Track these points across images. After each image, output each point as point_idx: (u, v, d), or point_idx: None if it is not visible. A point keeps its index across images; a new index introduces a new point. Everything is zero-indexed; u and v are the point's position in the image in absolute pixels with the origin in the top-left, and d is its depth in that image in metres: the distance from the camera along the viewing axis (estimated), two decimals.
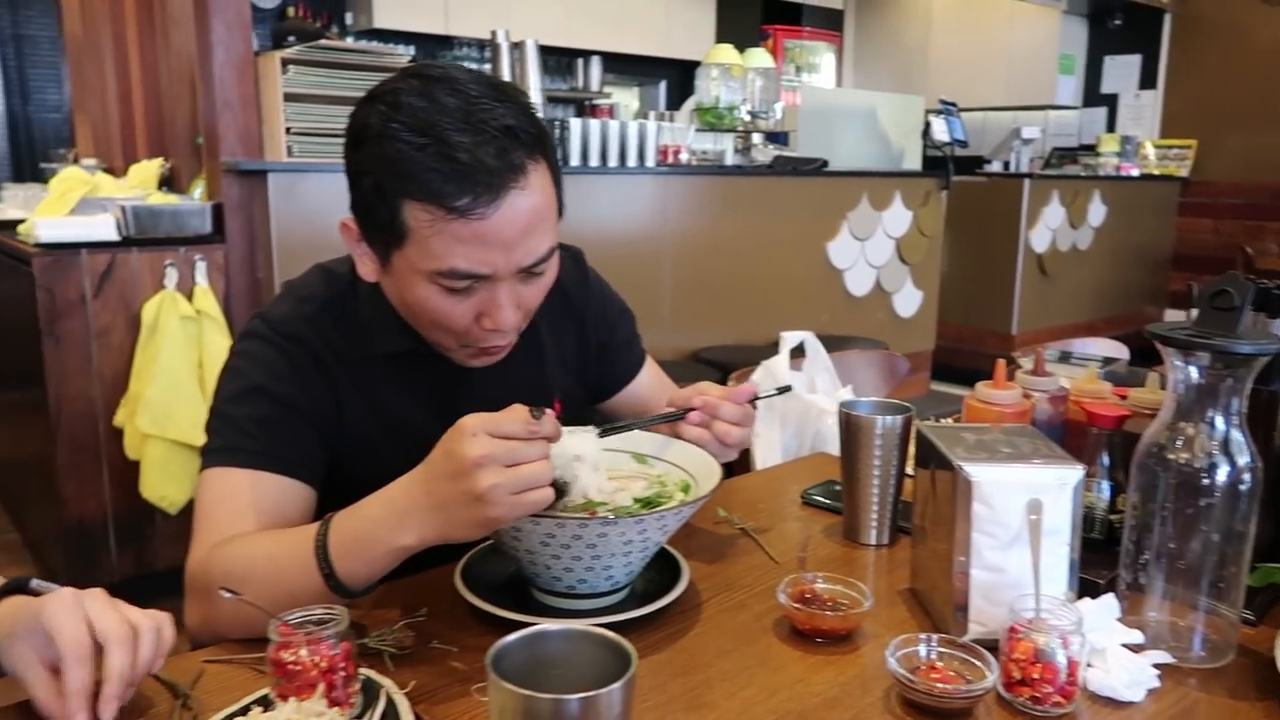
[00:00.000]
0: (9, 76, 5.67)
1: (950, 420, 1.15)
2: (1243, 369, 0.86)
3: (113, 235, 2.66)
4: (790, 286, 4.12)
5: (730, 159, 4.30)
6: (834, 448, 1.95)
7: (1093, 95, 7.32)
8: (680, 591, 0.96)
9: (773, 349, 3.70)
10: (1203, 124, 6.62)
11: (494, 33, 3.47)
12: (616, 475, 1.01)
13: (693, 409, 1.09)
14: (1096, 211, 5.84)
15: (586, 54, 6.80)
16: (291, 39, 2.98)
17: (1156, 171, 6.61)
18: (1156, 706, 0.82)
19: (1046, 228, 5.50)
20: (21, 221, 2.85)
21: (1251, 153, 6.38)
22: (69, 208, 2.82)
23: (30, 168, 5.49)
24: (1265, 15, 6.24)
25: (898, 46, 7.46)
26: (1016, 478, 0.86)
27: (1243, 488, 0.86)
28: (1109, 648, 0.84)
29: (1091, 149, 6.70)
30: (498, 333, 1.02)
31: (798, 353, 2.17)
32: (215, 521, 0.98)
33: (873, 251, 4.38)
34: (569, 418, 1.22)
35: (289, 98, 2.75)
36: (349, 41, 4.23)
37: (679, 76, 7.47)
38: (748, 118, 4.26)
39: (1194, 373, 0.87)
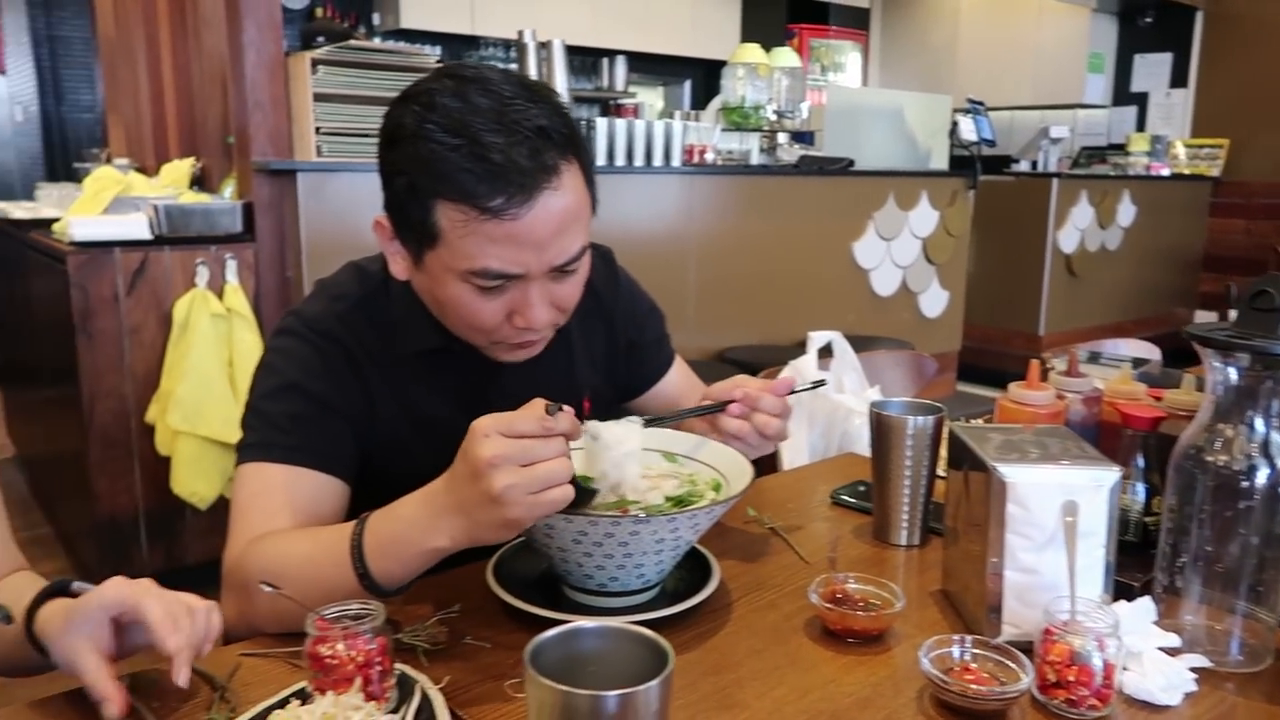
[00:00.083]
0: (43, 77, 5.76)
1: (982, 421, 1.15)
2: None
3: (145, 234, 2.69)
4: (816, 286, 4.11)
5: (756, 158, 4.29)
6: (861, 448, 1.94)
7: (1122, 94, 7.23)
8: (711, 590, 0.96)
9: (798, 349, 3.69)
10: (1235, 123, 6.53)
11: (521, 33, 3.48)
12: (648, 474, 1.01)
13: (733, 401, 1.09)
14: (1126, 212, 5.78)
15: (611, 54, 6.80)
16: (321, 39, 3.01)
17: (1187, 171, 6.52)
18: (1193, 711, 0.81)
19: (1075, 228, 5.45)
20: (56, 220, 2.89)
21: None
22: (102, 207, 2.87)
23: (64, 167, 5.57)
24: None
25: (924, 45, 7.42)
26: (1052, 479, 0.86)
27: None
28: (1145, 651, 0.84)
29: (1121, 148, 6.62)
30: (529, 331, 1.02)
31: (825, 352, 2.16)
32: (251, 517, 0.99)
33: (899, 251, 4.36)
34: (598, 417, 1.23)
35: (318, 98, 2.77)
36: (376, 42, 4.26)
37: (704, 76, 7.46)
38: (773, 117, 4.25)
39: (1233, 374, 0.86)
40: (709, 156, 3.88)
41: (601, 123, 3.42)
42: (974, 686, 0.78)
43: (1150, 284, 6.19)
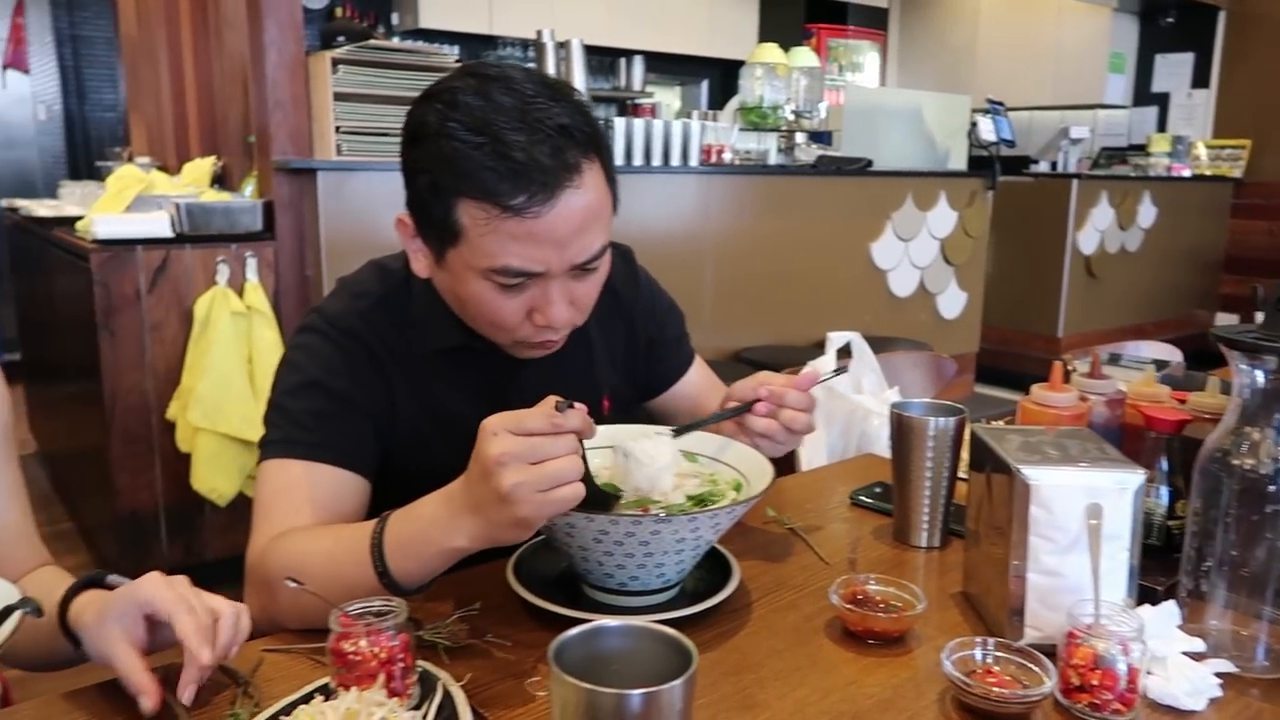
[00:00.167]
0: (66, 76, 5.81)
1: (1003, 423, 1.14)
2: None
3: (167, 232, 2.71)
4: (833, 287, 4.10)
5: (774, 158, 4.28)
6: (880, 448, 1.94)
7: (1143, 94, 7.18)
8: (731, 590, 0.96)
9: (815, 349, 3.69)
10: (1257, 124, 6.47)
11: (539, 32, 3.49)
12: None
13: (758, 400, 1.09)
14: (1146, 213, 5.74)
15: (629, 53, 6.81)
16: (341, 39, 3.02)
17: (1209, 172, 6.47)
18: (1218, 716, 0.80)
19: (1095, 229, 5.41)
20: (79, 218, 2.92)
21: None
22: (125, 205, 2.89)
23: (86, 166, 5.62)
24: None
25: (943, 45, 7.38)
26: (1076, 481, 0.85)
27: None
28: (1169, 655, 0.83)
29: (1141, 149, 6.58)
30: (549, 329, 1.02)
31: (844, 353, 2.15)
32: (273, 513, 1.00)
33: (917, 252, 4.34)
34: (618, 416, 1.23)
35: (338, 97, 2.79)
36: (395, 41, 4.28)
37: (721, 76, 7.45)
38: (792, 117, 4.24)
39: (1260, 377, 0.86)
40: (726, 156, 3.88)
41: (619, 122, 3.42)
42: (996, 689, 0.78)
43: (1171, 286, 6.14)
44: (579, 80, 3.45)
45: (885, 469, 1.38)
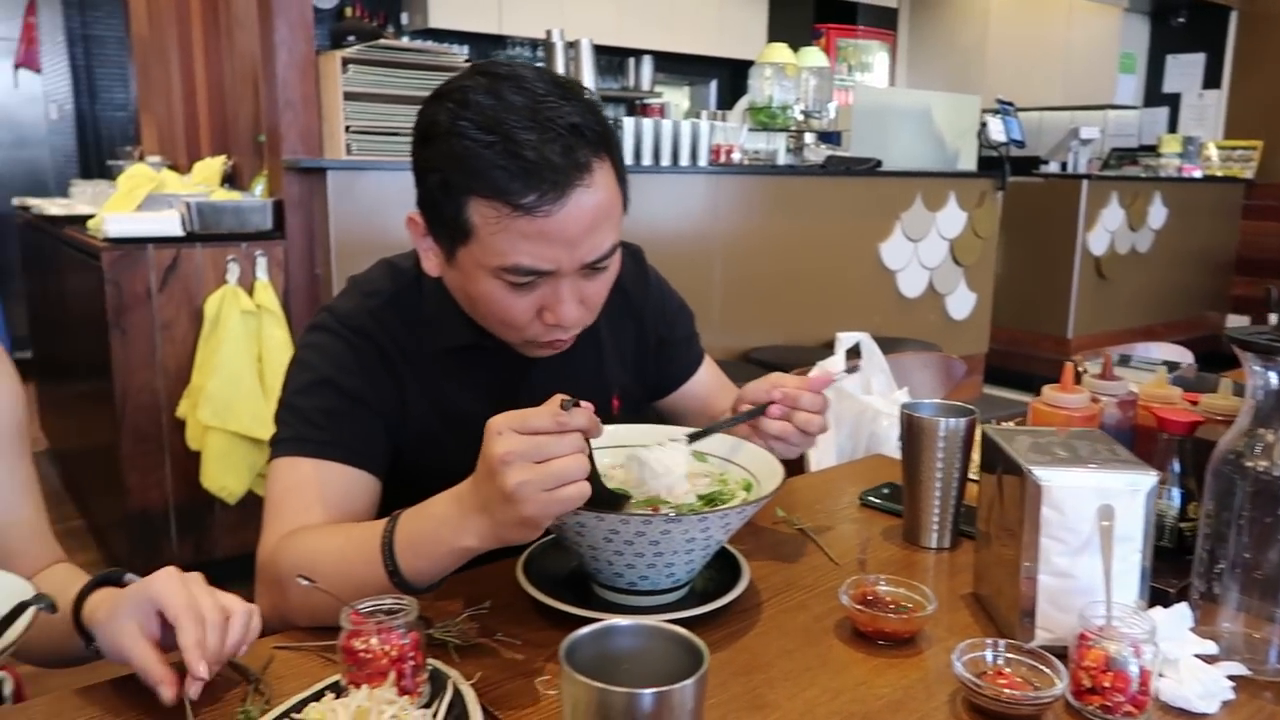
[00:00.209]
0: (77, 76, 5.83)
1: (1014, 424, 1.14)
2: None
3: (177, 231, 2.72)
4: (842, 287, 4.09)
5: (783, 159, 4.27)
6: (889, 449, 1.93)
7: (1154, 95, 7.15)
8: (741, 590, 0.96)
9: (823, 350, 3.68)
10: (1269, 124, 6.44)
11: (549, 32, 3.49)
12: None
13: (772, 402, 1.09)
14: (1157, 214, 5.71)
15: (638, 53, 6.80)
16: (351, 38, 3.03)
17: (1220, 173, 6.44)
18: (1230, 719, 0.80)
19: (1105, 230, 5.39)
20: (91, 217, 2.93)
21: None
22: (136, 204, 2.90)
23: (97, 165, 5.64)
24: None
25: (953, 45, 7.36)
26: (1087, 483, 0.85)
27: None
28: (1182, 658, 0.83)
29: (1152, 150, 6.55)
30: (559, 327, 1.02)
31: (853, 353, 2.15)
32: (284, 511, 1.00)
33: (926, 253, 4.33)
34: (627, 415, 1.23)
35: (349, 96, 2.79)
36: (405, 41, 4.29)
37: (729, 76, 7.45)
38: (801, 117, 4.24)
39: (1274, 379, 0.85)
40: (735, 156, 3.87)
41: (628, 122, 3.42)
42: (1008, 691, 0.78)
43: (1181, 287, 6.12)
44: (588, 80, 3.45)
45: (894, 470, 1.38)
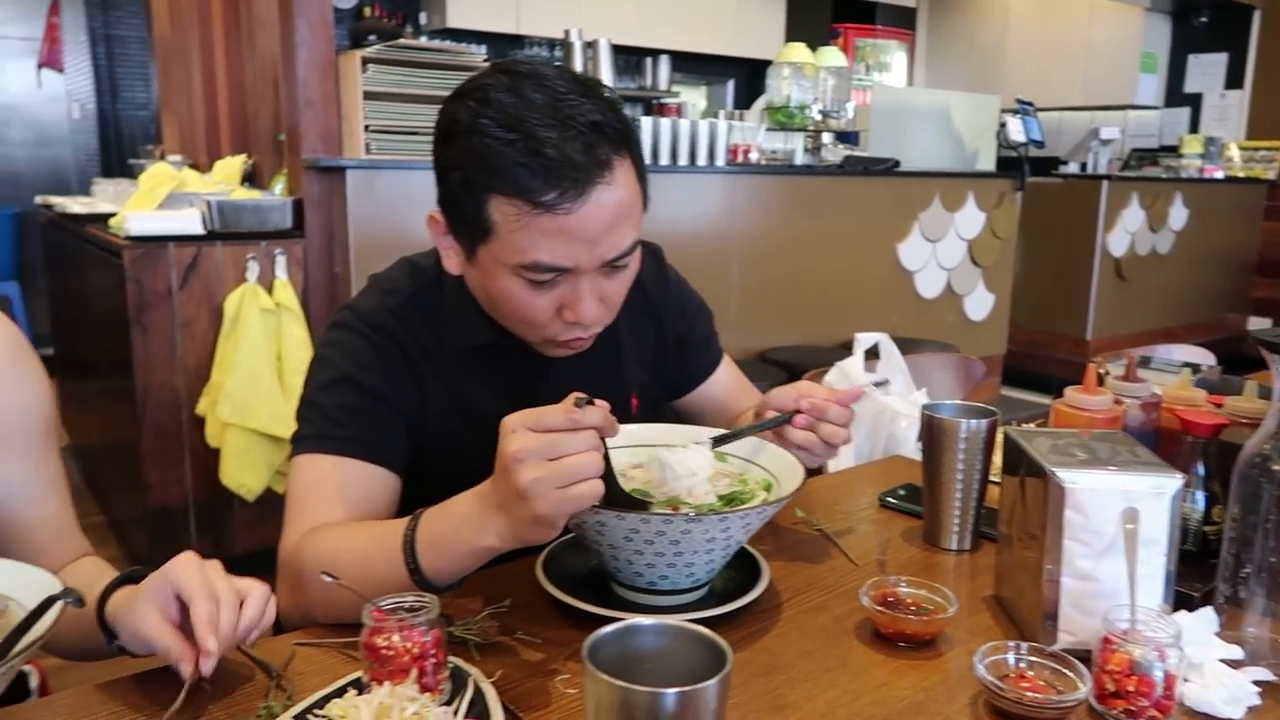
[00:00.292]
0: (99, 75, 5.88)
1: (1034, 425, 1.13)
2: None
3: (198, 229, 2.74)
4: (859, 288, 4.08)
5: (800, 158, 4.26)
6: (908, 450, 1.92)
7: (1175, 95, 7.10)
8: (761, 590, 0.95)
9: (841, 350, 3.67)
10: None
11: (567, 32, 3.50)
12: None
13: (798, 411, 1.09)
14: (1178, 215, 5.66)
15: (655, 53, 6.80)
16: (372, 38, 3.04)
17: (1242, 174, 6.38)
18: None
19: (1125, 231, 5.35)
20: (113, 215, 2.95)
21: None
22: (157, 202, 2.93)
23: (119, 163, 5.68)
24: None
25: (972, 45, 7.33)
26: (1112, 485, 0.84)
27: None
28: (1206, 663, 0.82)
29: (1173, 150, 6.50)
30: (579, 325, 1.02)
31: (872, 354, 2.14)
32: (305, 508, 1.01)
33: (944, 253, 4.31)
34: (646, 414, 1.23)
35: (368, 96, 2.80)
36: (424, 40, 4.30)
37: (747, 76, 7.44)
38: (819, 117, 4.22)
39: None
40: (753, 156, 3.87)
41: (646, 122, 3.42)
42: (1030, 694, 0.77)
43: (1202, 289, 6.06)
44: (606, 80, 3.45)
45: (913, 471, 1.38)
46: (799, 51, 4.24)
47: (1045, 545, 0.86)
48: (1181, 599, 0.92)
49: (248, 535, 2.88)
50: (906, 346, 2.44)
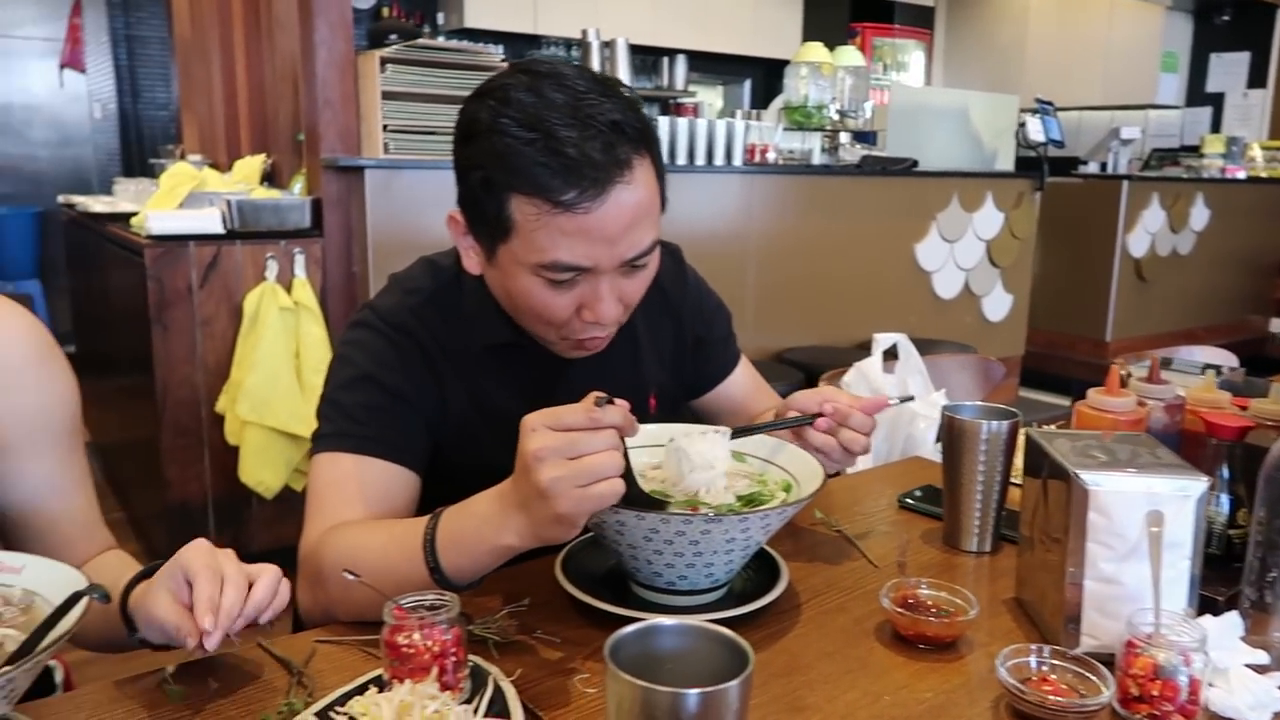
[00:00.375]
0: (121, 76, 5.93)
1: (1055, 427, 1.12)
2: None
3: (218, 228, 2.76)
4: (877, 288, 4.06)
5: (817, 158, 4.25)
6: (926, 451, 1.91)
7: (1197, 94, 7.04)
8: (780, 591, 0.95)
9: (858, 351, 3.65)
10: None
11: (585, 31, 3.50)
12: None
13: (821, 414, 1.09)
14: (1199, 215, 5.61)
15: (672, 53, 6.80)
16: (393, 37, 3.05)
17: (1264, 174, 6.31)
18: None
19: (1145, 231, 5.31)
20: (134, 214, 2.98)
21: None
22: (178, 201, 2.95)
23: (140, 163, 5.73)
24: None
25: (991, 44, 7.29)
26: (1136, 487, 0.84)
27: None
28: (1232, 667, 0.81)
29: (1194, 150, 6.44)
30: (597, 325, 1.03)
31: (890, 355, 2.13)
32: (325, 505, 1.01)
33: (962, 253, 4.29)
34: (664, 414, 1.23)
35: (386, 95, 2.81)
36: (442, 40, 4.32)
37: (763, 76, 7.42)
38: (836, 117, 4.21)
39: None
40: (770, 156, 3.86)
41: (663, 121, 3.42)
42: (1053, 697, 0.77)
43: (1223, 290, 6.00)
44: (624, 79, 3.45)
45: (932, 472, 1.37)
46: (817, 51, 4.23)
47: (1068, 548, 0.86)
48: (1206, 603, 0.91)
49: (266, 532, 2.89)
50: (924, 347, 2.43)
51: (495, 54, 3.07)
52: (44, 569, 0.80)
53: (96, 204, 3.77)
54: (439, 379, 1.10)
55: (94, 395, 4.08)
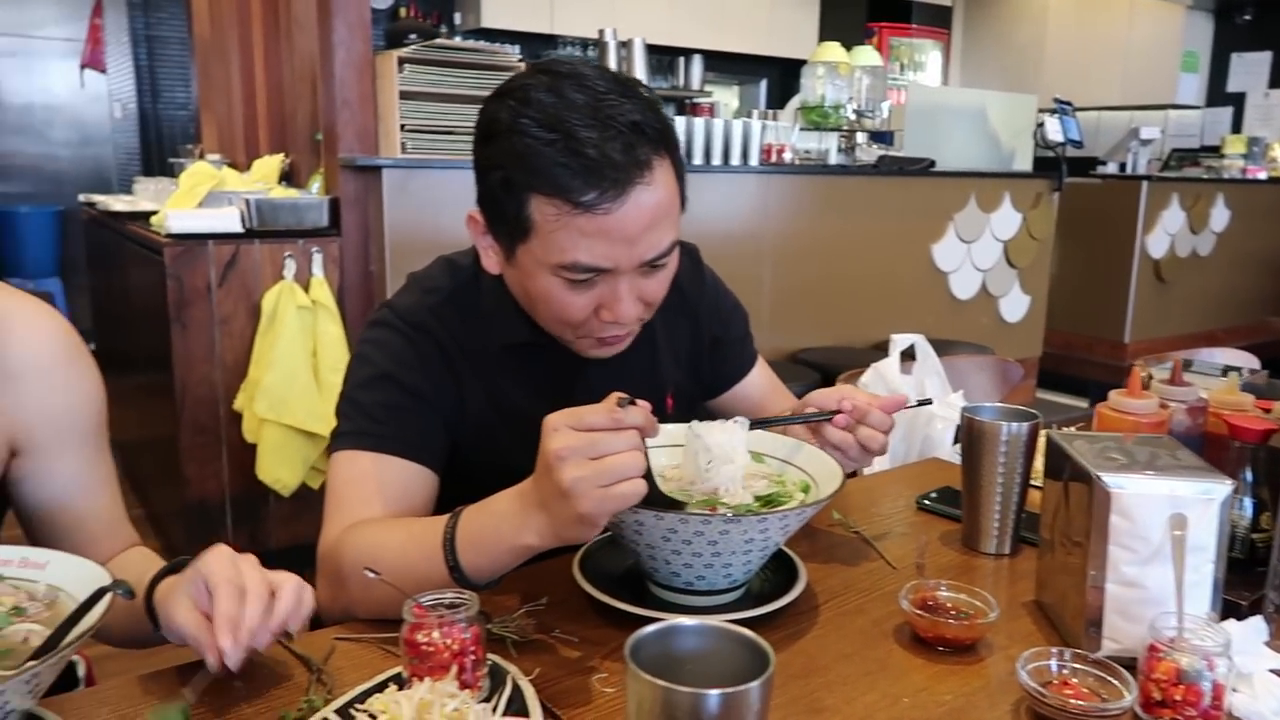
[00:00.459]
0: (141, 76, 5.97)
1: (1075, 429, 1.12)
2: None
3: (237, 227, 2.77)
4: (893, 288, 4.04)
5: (834, 158, 4.24)
6: (943, 453, 1.90)
7: (1217, 94, 6.98)
8: (799, 592, 0.95)
9: (874, 351, 3.64)
10: None
11: (601, 31, 3.50)
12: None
13: (839, 411, 1.08)
14: (1219, 216, 5.56)
15: (688, 52, 6.80)
16: (413, 37, 3.06)
17: None
18: None
19: (1165, 232, 5.26)
20: (153, 213, 3.00)
21: None
22: (197, 200, 2.97)
23: (159, 162, 5.77)
24: None
25: (1009, 44, 7.24)
26: (1159, 490, 0.83)
27: None
28: (1256, 672, 0.80)
29: (1214, 150, 6.39)
30: (616, 325, 1.03)
31: (907, 356, 2.12)
32: (344, 504, 1.01)
33: (979, 254, 4.26)
34: (681, 414, 1.23)
35: (404, 95, 2.82)
36: (459, 40, 4.33)
37: (779, 75, 7.41)
38: (853, 117, 4.19)
39: None
40: (787, 156, 3.85)
41: (679, 121, 3.42)
42: (1074, 701, 0.76)
43: (1243, 291, 5.95)
44: (641, 79, 3.45)
45: (949, 473, 1.37)
46: (834, 51, 4.21)
47: (1089, 551, 0.85)
48: (1229, 607, 0.90)
49: (283, 530, 2.91)
50: (941, 348, 2.42)
51: (512, 54, 3.07)
52: (69, 565, 0.80)
53: (117, 203, 3.80)
54: (457, 378, 1.10)
55: (113, 393, 4.09)
